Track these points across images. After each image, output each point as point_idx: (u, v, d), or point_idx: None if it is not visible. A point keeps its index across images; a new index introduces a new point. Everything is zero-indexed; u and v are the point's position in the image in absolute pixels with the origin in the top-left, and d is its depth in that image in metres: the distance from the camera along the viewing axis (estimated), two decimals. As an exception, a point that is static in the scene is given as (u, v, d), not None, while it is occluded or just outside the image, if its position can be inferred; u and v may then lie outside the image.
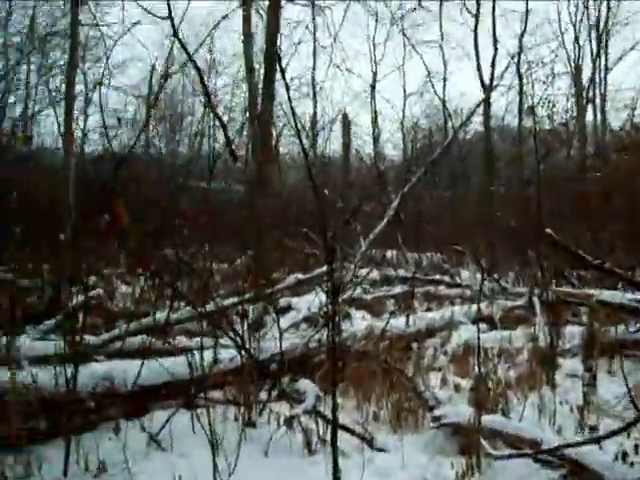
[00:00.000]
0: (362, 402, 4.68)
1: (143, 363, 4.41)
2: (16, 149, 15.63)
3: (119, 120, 12.36)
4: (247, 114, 14.73)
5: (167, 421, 3.90)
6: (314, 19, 21.05)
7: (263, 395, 4.50)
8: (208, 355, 4.66)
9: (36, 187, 11.42)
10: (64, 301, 5.69)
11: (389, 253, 13.24)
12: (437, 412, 4.16)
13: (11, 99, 17.37)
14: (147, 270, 5.51)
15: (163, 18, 3.27)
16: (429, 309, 8.73)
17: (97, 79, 17.59)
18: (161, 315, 5.77)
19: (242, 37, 11.94)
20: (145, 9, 3.50)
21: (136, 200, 10.40)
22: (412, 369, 5.33)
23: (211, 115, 18.02)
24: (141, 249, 6.62)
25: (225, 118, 20.62)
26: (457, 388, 5.15)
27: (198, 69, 3.57)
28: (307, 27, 21.00)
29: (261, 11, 13.81)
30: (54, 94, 17.13)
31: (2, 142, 14.39)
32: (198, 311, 4.44)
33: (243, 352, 4.37)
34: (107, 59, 14.46)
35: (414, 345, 6.38)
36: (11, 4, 15.28)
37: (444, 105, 22.88)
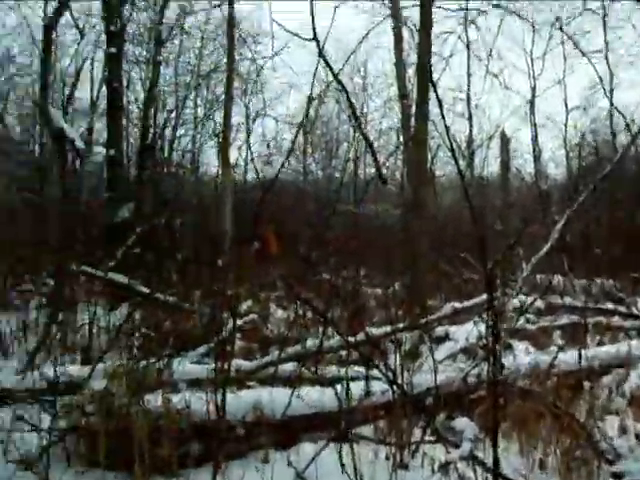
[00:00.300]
0: (526, 447, 4.21)
1: (293, 392, 4.32)
2: (184, 179, 16.82)
3: (268, 146, 12.81)
4: (400, 137, 14.58)
5: (314, 458, 3.73)
6: (466, 31, 20.39)
7: (417, 433, 4.21)
8: (359, 386, 4.47)
9: (199, 215, 12.08)
10: (219, 325, 5.81)
11: (554, 279, 12.29)
12: (616, 467, 3.61)
13: (180, 132, 18.75)
14: (299, 296, 5.46)
15: (309, 40, 3.27)
16: (601, 342, 7.87)
17: (256, 110, 18.43)
18: (313, 342, 5.72)
19: (393, 56, 11.84)
20: (290, 32, 3.53)
21: (290, 225, 10.58)
22: (584, 412, 4.74)
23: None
24: (294, 274, 6.66)
25: (379, 143, 20.69)
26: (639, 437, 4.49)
27: (344, 89, 3.49)
28: (459, 37, 20.37)
29: (410, 24, 13.55)
30: (217, 126, 18.21)
31: (171, 173, 15.51)
32: (347, 341, 4.26)
33: (395, 386, 4.11)
34: (261, 89, 15.02)
35: (586, 384, 5.71)
36: (181, 46, 16.61)
37: (611, 117, 21.18)
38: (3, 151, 19.35)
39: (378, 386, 4.53)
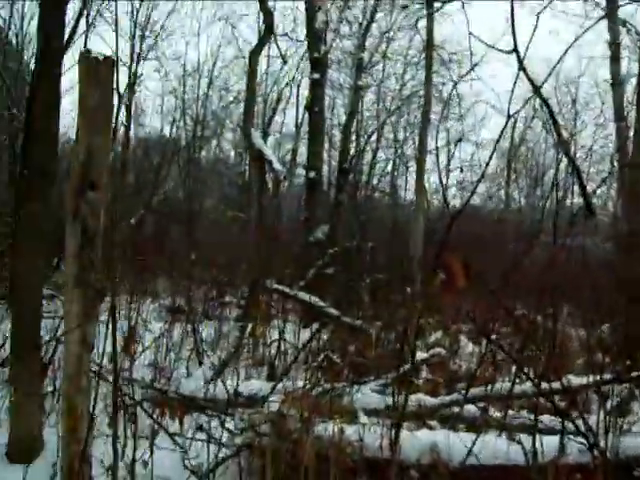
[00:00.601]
0: None
1: (476, 438, 3.91)
2: (381, 202, 16.92)
3: (461, 170, 12.35)
4: (615, 162, 13.24)
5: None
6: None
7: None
8: (554, 441, 3.92)
9: (392, 239, 11.95)
10: (402, 355, 5.53)
11: None
12: None
13: (380, 155, 18.90)
14: (488, 336, 5.01)
15: (508, 52, 2.98)
16: None
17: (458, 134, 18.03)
18: (503, 385, 5.22)
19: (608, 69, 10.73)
20: (488, 45, 3.26)
21: (485, 255, 10.01)
22: None
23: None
24: (486, 306, 6.20)
25: (588, 169, 19.10)
26: None
27: (547, 104, 3.14)
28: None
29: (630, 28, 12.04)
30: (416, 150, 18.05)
31: (368, 196, 15.69)
32: (539, 388, 3.76)
33: (595, 448, 3.53)
34: (461, 115, 14.62)
35: None
36: (383, 71, 16.83)
37: None
38: (217, 172, 21.18)
39: (576, 443, 3.93)
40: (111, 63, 2.93)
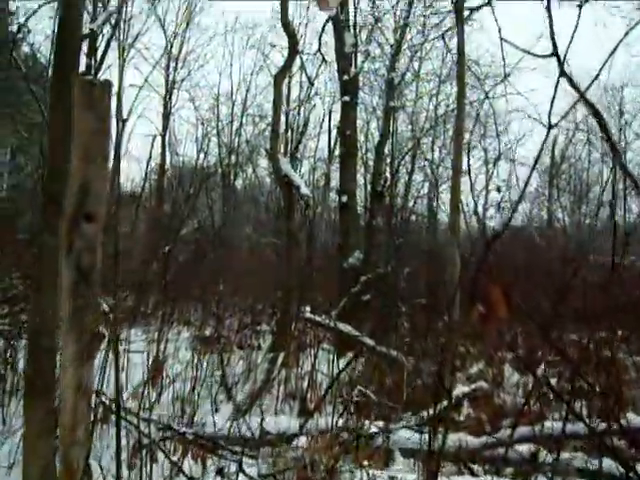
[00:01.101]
0: None
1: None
2: (417, 225, 16.48)
3: (498, 190, 11.94)
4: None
5: None
6: None
7: None
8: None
9: (429, 263, 11.53)
10: (440, 390, 5.13)
11: None
12: None
13: (415, 177, 18.37)
14: (533, 372, 4.58)
15: (546, 56, 2.70)
16: None
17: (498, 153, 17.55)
18: (554, 423, 4.75)
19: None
20: (523, 50, 2.98)
21: (529, 278, 9.52)
22: None
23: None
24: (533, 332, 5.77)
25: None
26: None
27: (594, 108, 2.82)
28: None
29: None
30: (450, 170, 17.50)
31: (404, 219, 15.32)
32: (593, 430, 3.34)
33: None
34: (499, 132, 14.22)
35: None
36: (417, 91, 16.44)
37: None
38: (253, 199, 21.14)
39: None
40: (107, 86, 2.72)
